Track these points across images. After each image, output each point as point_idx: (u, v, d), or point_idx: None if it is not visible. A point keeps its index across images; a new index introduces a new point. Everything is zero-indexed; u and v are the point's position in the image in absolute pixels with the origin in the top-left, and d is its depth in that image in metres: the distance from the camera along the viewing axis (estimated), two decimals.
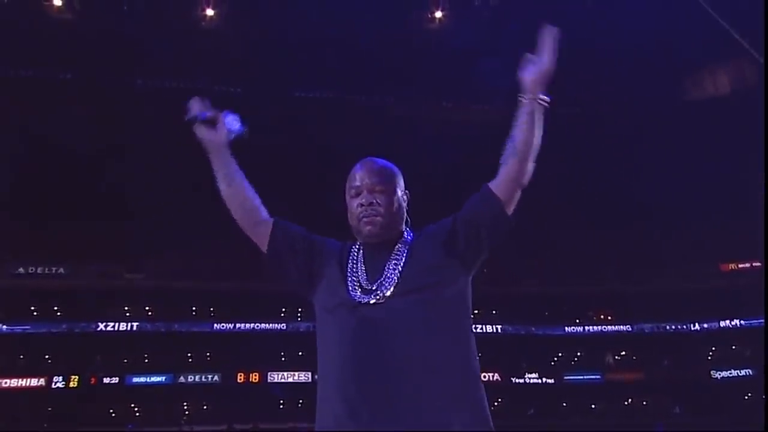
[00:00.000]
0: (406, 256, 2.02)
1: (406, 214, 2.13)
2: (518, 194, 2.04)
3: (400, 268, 1.99)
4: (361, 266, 2.03)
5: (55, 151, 26.06)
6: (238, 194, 2.14)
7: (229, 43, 25.84)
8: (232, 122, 2.13)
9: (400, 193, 2.12)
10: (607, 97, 28.99)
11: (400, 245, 2.05)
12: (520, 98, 2.04)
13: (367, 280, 1.99)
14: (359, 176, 2.09)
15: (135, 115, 27.25)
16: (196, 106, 2.12)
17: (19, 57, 25.62)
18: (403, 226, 2.11)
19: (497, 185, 2.02)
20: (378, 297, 1.94)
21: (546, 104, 2.05)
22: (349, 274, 2.03)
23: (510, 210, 2.03)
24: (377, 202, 2.05)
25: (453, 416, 1.83)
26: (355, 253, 2.07)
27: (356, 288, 1.98)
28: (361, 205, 2.05)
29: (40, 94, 26.67)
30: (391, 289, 1.95)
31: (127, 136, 27.62)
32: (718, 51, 24.22)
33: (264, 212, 2.16)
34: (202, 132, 2.12)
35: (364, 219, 2.04)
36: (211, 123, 2.12)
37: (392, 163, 2.17)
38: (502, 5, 24.64)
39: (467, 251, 2.02)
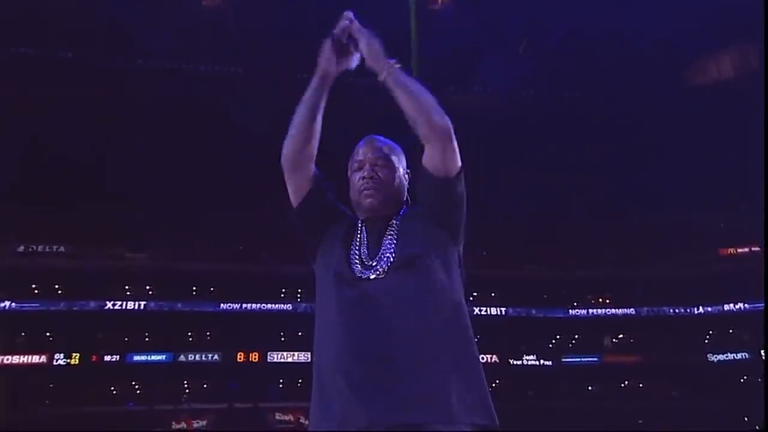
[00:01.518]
0: (398, 230, 2.03)
1: (406, 193, 2.14)
2: (449, 145, 1.98)
3: (395, 242, 2.00)
4: (363, 241, 2.04)
5: (58, 133, 26.00)
6: (308, 138, 2.11)
7: (230, 23, 25.73)
8: (355, 61, 2.11)
9: (401, 170, 2.14)
10: (609, 85, 28.90)
11: (395, 220, 2.07)
12: (379, 80, 2.02)
13: (368, 255, 2.00)
14: (362, 151, 2.12)
15: (137, 97, 27.16)
16: (344, 26, 2.07)
17: (16, 35, 25.49)
18: (403, 205, 2.13)
19: (426, 158, 2.01)
20: (378, 272, 1.96)
21: (397, 65, 2.01)
22: (352, 249, 2.03)
23: (454, 162, 1.99)
24: (378, 175, 2.07)
25: (453, 391, 1.83)
26: (358, 229, 2.08)
27: (357, 263, 1.99)
28: (363, 178, 2.07)
29: (39, 74, 26.52)
30: (388, 263, 1.96)
31: (130, 118, 27.55)
32: (718, 38, 24.21)
33: (313, 161, 2.14)
34: (329, 53, 2.09)
35: (365, 191, 2.06)
36: (344, 52, 2.10)
37: (396, 143, 2.17)
38: None
39: (443, 221, 2.03)
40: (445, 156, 1.97)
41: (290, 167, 2.11)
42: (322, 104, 2.10)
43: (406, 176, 2.15)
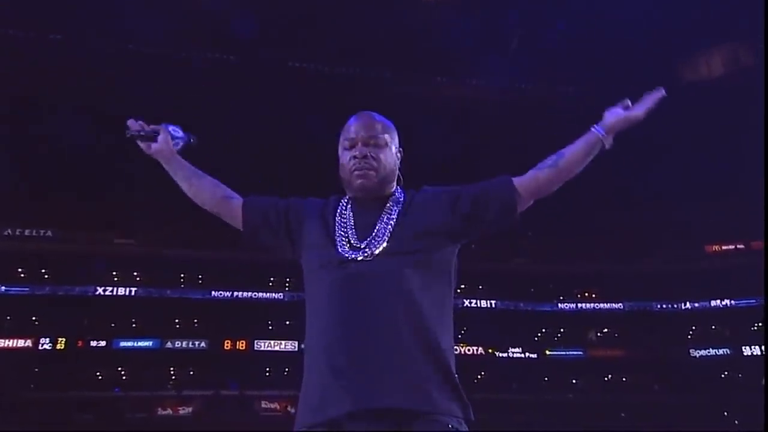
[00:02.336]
0: (397, 216, 1.98)
1: (399, 173, 2.09)
2: (531, 202, 2.03)
3: (391, 227, 1.95)
4: (351, 222, 1.99)
5: (47, 118, 25.86)
6: (201, 192, 2.15)
7: (229, 14, 25.56)
8: (174, 132, 2.17)
9: (394, 149, 2.07)
10: (601, 81, 28.84)
11: (391, 203, 2.01)
12: (592, 128, 2.00)
13: (356, 236, 1.95)
14: (354, 128, 2.05)
15: (127, 82, 27.00)
16: (134, 126, 2.15)
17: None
18: (395, 185, 2.07)
19: (522, 183, 1.99)
20: (366, 254, 1.91)
21: (607, 147, 2.01)
22: (337, 230, 1.98)
23: (520, 209, 2.00)
24: (371, 155, 2.00)
25: (433, 382, 1.83)
26: (344, 208, 2.04)
27: (344, 244, 1.94)
28: (355, 157, 2.01)
29: (28, 54, 26.30)
30: (381, 247, 1.91)
31: (120, 104, 27.40)
32: (709, 37, 24.30)
33: (233, 198, 2.15)
34: (146, 147, 2.15)
35: (357, 172, 2.00)
36: (151, 138, 2.15)
37: (390, 121, 2.11)
38: None
39: (464, 228, 1.99)
40: (528, 201, 2.02)
41: (219, 215, 2.17)
42: (187, 171, 2.17)
43: (399, 154, 2.09)
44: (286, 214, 2.08)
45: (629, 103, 2.00)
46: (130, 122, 2.14)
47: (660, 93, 2.02)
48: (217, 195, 2.14)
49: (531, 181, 1.99)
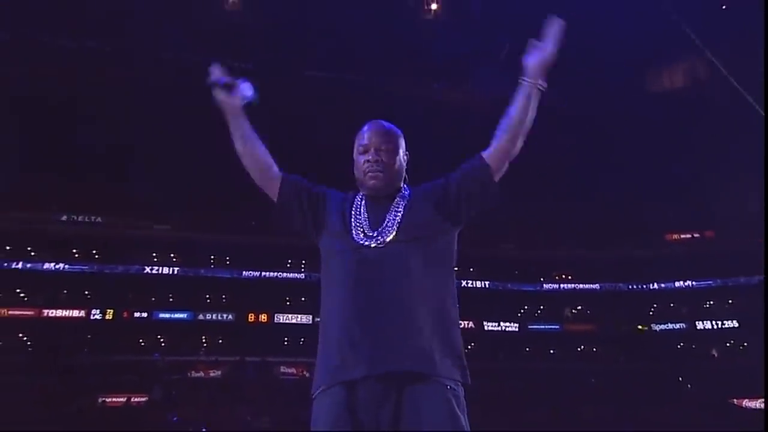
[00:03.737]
0: (404, 209, 1.99)
1: (404, 173, 2.11)
2: (506, 165, 2.01)
3: (399, 219, 1.97)
4: (365, 215, 2.00)
5: (96, 120, 25.84)
6: (252, 153, 2.08)
7: (246, 24, 25.47)
8: (246, 89, 2.08)
9: (401, 153, 2.09)
10: (580, 87, 28.60)
11: (399, 199, 2.03)
12: (520, 80, 1.98)
13: (369, 227, 1.97)
14: (367, 135, 2.06)
15: (162, 85, 26.92)
16: (216, 72, 2.06)
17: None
18: (402, 183, 2.09)
19: (489, 155, 1.99)
20: (378, 241, 1.93)
21: (543, 89, 1.99)
22: (353, 221, 1.99)
23: (497, 178, 1.99)
24: (382, 159, 2.02)
25: (436, 349, 1.84)
26: (359, 203, 2.05)
27: (359, 233, 1.96)
28: (368, 161, 2.03)
29: (72, 61, 26.16)
30: (391, 236, 1.93)
31: (156, 103, 27.32)
32: (672, 52, 24.13)
33: (275, 168, 2.11)
34: (220, 95, 2.06)
35: (369, 173, 2.02)
36: (229, 88, 2.06)
37: (398, 129, 2.13)
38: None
39: (458, 211, 2.00)
40: (502, 168, 1.99)
41: (255, 178, 2.10)
42: (245, 131, 2.07)
43: (405, 158, 2.11)
44: (316, 200, 2.08)
45: (537, 41, 1.98)
46: (213, 69, 2.05)
47: (557, 22, 2.01)
48: (264, 161, 2.09)
49: (496, 150, 1.97)
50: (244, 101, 2.07)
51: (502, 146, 1.96)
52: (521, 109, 1.96)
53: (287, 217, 2.09)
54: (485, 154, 1.99)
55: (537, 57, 1.97)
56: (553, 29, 1.99)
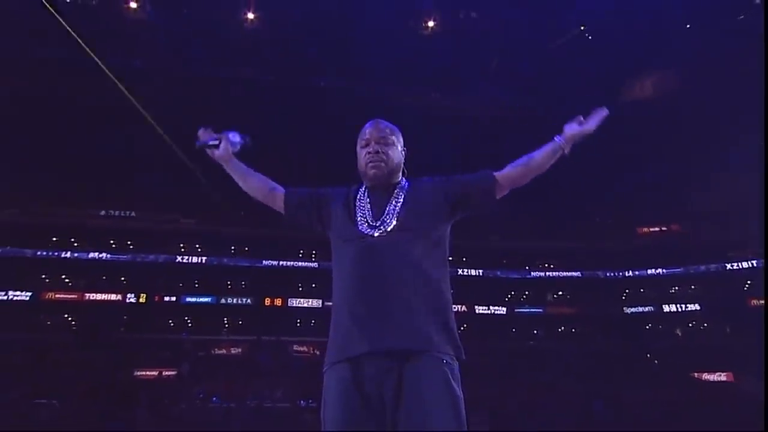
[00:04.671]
0: (403, 200, 2.00)
1: (403, 166, 2.11)
2: (507, 191, 2.05)
3: (398, 209, 1.97)
4: (368, 206, 2.00)
5: (129, 127, 25.83)
6: (252, 187, 2.17)
7: (264, 39, 25.33)
8: (233, 137, 2.11)
9: (399, 148, 2.09)
10: (561, 94, 28.26)
11: (398, 190, 2.03)
12: (555, 137, 2.03)
13: (373, 217, 1.97)
14: (368, 131, 2.08)
15: (188, 95, 26.67)
16: (202, 135, 2.11)
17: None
18: (401, 176, 2.10)
19: (501, 176, 2.02)
20: (381, 231, 1.93)
21: (566, 155, 2.03)
22: (358, 212, 2.00)
23: (499, 196, 2.03)
24: (381, 151, 2.03)
25: (433, 329, 1.84)
26: (362, 195, 2.05)
27: (364, 223, 1.96)
28: (369, 152, 2.04)
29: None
30: (392, 225, 1.93)
31: (184, 113, 27.18)
32: (643, 65, 23.97)
33: (277, 189, 2.16)
34: (211, 153, 2.13)
35: (370, 164, 2.03)
36: (216, 146, 2.10)
37: (396, 126, 2.16)
38: (480, 19, 24.45)
39: (454, 209, 2.01)
40: (504, 190, 2.05)
41: (265, 202, 2.18)
42: (243, 170, 2.16)
43: (403, 152, 2.11)
44: (318, 201, 2.10)
45: (582, 118, 2.04)
46: (200, 132, 2.13)
47: (604, 112, 2.06)
48: (265, 189, 2.16)
49: (507, 175, 2.02)
50: (235, 149, 2.12)
51: (515, 174, 2.02)
52: (544, 157, 2.01)
53: (294, 220, 2.14)
54: (497, 174, 2.03)
55: (576, 129, 2.03)
56: (598, 116, 2.05)
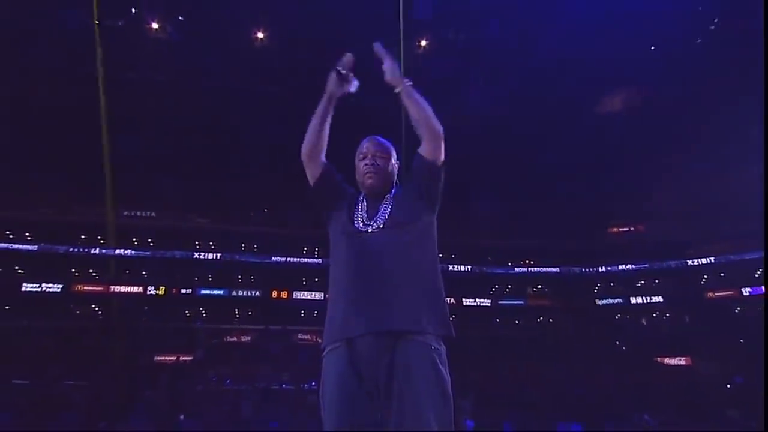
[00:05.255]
0: (392, 202, 2.00)
1: (396, 177, 2.12)
2: (440, 144, 1.95)
3: (389, 210, 1.98)
4: (364, 208, 2.01)
5: (147, 134, 25.81)
6: (320, 132, 2.04)
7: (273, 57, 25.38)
8: (355, 85, 2.04)
9: (393, 161, 2.10)
10: (536, 110, 27.96)
11: (389, 195, 2.04)
12: (395, 92, 1.98)
13: (367, 217, 1.98)
14: (366, 146, 2.09)
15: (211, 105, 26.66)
16: (344, 61, 2.00)
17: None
18: (393, 185, 2.10)
19: (422, 149, 1.97)
20: (374, 228, 1.94)
21: (410, 83, 1.97)
22: (355, 212, 2.00)
23: (441, 156, 1.95)
24: (377, 163, 2.04)
25: (422, 310, 1.82)
26: (360, 200, 2.05)
27: (359, 222, 1.97)
28: (366, 164, 2.05)
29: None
30: (383, 223, 1.94)
31: (203, 121, 27.01)
32: (612, 83, 24.06)
33: (323, 154, 2.07)
34: (333, 81, 2.01)
35: (367, 174, 2.04)
36: (343, 80, 2.01)
37: (390, 142, 2.15)
38: (468, 38, 24.62)
39: (426, 195, 1.99)
40: (436, 150, 1.95)
41: (307, 159, 2.06)
42: (329, 116, 2.05)
43: (396, 164, 2.12)
44: (340, 191, 2.08)
45: (380, 59, 2.00)
46: (347, 57, 2.01)
47: (377, 46, 2.00)
48: (321, 144, 2.05)
49: (423, 143, 1.97)
50: (347, 91, 2.02)
51: (424, 137, 1.95)
52: (412, 108, 1.95)
53: (317, 196, 2.06)
54: (419, 149, 1.98)
55: (389, 72, 1.98)
56: (380, 51, 2.00)
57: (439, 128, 1.94)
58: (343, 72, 1.99)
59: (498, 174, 29.20)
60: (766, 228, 14.90)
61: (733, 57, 20.05)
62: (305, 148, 2.03)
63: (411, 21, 22.03)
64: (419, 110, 1.94)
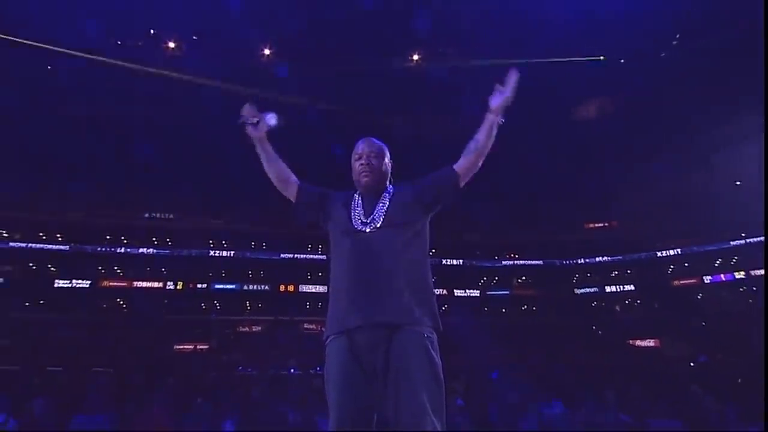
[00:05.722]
0: (389, 201, 1.96)
1: (389, 176, 2.07)
2: (470, 177, 1.96)
3: (385, 209, 1.93)
4: (361, 207, 1.97)
5: (160, 138, 25.66)
6: (275, 170, 2.05)
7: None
8: (270, 119, 2.01)
9: (387, 161, 2.06)
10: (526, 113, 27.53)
11: (385, 194, 1.99)
12: (486, 113, 1.94)
13: (364, 216, 1.93)
14: (361, 147, 2.05)
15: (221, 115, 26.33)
16: (247, 112, 1.98)
17: None
18: (388, 184, 2.05)
19: (459, 167, 1.94)
20: (371, 227, 1.90)
21: (501, 123, 1.95)
22: (353, 212, 1.96)
23: (462, 185, 1.95)
24: (372, 163, 2.00)
25: (415, 305, 1.80)
26: (357, 199, 2.01)
27: (357, 221, 1.93)
28: (361, 164, 2.01)
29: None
30: (380, 222, 1.90)
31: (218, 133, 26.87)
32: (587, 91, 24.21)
33: (292, 178, 2.05)
34: (249, 130, 2.01)
35: (363, 173, 2.00)
36: (255, 124, 1.98)
37: (383, 143, 2.11)
38: (462, 51, 24.72)
39: (429, 204, 1.95)
40: (467, 176, 1.96)
41: (280, 188, 2.09)
42: (269, 152, 2.03)
43: (390, 164, 2.07)
44: (324, 200, 2.06)
45: (500, 86, 1.97)
46: (246, 108, 2.00)
47: (515, 74, 1.96)
48: (283, 176, 2.07)
49: (464, 165, 1.95)
50: (268, 128, 2.01)
51: (470, 162, 1.94)
52: (485, 136, 1.94)
53: (300, 213, 2.07)
54: (456, 166, 1.95)
55: (499, 99, 1.96)
56: (511, 78, 1.97)
57: (480, 164, 1.96)
58: (249, 121, 1.98)
59: (487, 177, 29.27)
60: (766, 227, 15.03)
61: (693, 70, 20.53)
62: (273, 180, 2.07)
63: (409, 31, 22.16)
64: (488, 142, 1.94)
